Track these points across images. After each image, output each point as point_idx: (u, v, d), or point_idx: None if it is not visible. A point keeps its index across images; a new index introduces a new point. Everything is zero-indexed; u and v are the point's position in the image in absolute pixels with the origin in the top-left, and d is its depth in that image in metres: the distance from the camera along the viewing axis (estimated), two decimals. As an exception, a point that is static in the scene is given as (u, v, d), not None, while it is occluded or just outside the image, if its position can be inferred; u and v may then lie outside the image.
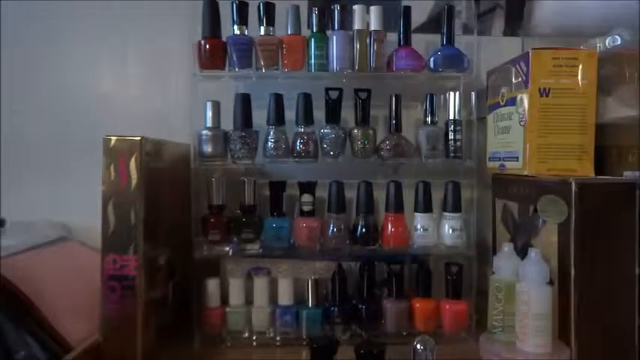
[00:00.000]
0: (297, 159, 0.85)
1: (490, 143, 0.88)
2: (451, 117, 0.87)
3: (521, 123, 0.76)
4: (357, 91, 0.86)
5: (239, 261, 0.87)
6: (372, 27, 0.84)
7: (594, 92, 0.74)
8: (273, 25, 0.84)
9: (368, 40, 0.84)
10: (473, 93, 0.88)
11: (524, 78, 0.76)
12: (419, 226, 0.86)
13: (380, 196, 0.90)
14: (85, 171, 0.92)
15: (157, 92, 1.01)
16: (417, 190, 0.87)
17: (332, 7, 0.85)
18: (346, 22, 0.85)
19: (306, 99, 0.85)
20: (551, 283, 0.68)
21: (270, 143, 0.84)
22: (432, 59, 0.86)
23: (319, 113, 0.86)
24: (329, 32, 0.85)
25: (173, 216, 0.83)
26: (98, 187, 0.70)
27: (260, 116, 0.86)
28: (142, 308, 0.70)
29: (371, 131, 0.86)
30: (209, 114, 0.84)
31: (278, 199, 0.87)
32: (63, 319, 0.75)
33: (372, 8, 0.84)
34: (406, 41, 0.87)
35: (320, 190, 0.88)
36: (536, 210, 0.73)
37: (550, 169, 0.75)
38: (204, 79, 0.87)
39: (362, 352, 0.66)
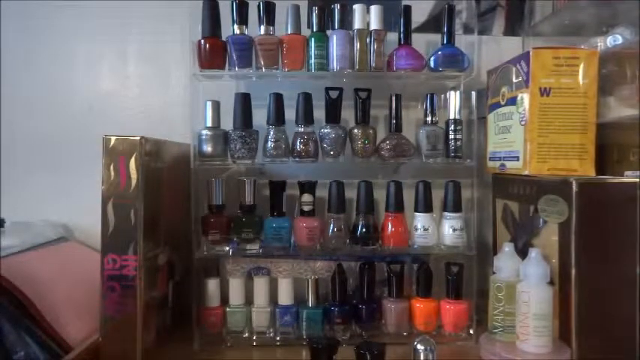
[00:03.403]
0: (297, 159, 0.85)
1: (490, 143, 0.88)
2: (451, 117, 0.87)
3: (522, 122, 0.76)
4: (357, 90, 0.86)
5: (239, 261, 0.87)
6: (372, 26, 0.84)
7: (595, 92, 0.74)
8: (273, 25, 0.84)
9: (368, 40, 0.84)
10: (473, 92, 0.88)
11: (524, 77, 0.75)
12: (419, 226, 0.86)
13: (380, 196, 0.90)
14: (85, 171, 0.92)
15: (156, 92, 1.01)
16: (417, 190, 0.87)
17: (332, 6, 0.85)
18: (346, 22, 0.85)
19: (306, 99, 0.85)
20: (551, 283, 0.68)
21: (270, 143, 0.84)
22: (432, 59, 0.85)
23: (319, 113, 0.86)
24: (329, 32, 0.85)
25: (173, 216, 0.83)
26: (98, 187, 0.70)
27: (260, 116, 0.86)
28: (141, 308, 0.70)
29: (371, 131, 0.86)
30: (209, 114, 0.84)
31: (278, 199, 0.86)
32: (62, 320, 0.75)
33: (372, 8, 0.84)
34: (406, 41, 0.86)
35: (320, 190, 0.88)
36: (536, 210, 0.73)
37: (550, 168, 0.74)
38: (204, 79, 0.87)
39: (362, 352, 0.66)
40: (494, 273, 0.75)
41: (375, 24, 0.84)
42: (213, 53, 0.82)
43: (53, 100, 1.00)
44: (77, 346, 0.73)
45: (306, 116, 0.85)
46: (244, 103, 0.85)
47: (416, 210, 0.87)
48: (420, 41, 0.92)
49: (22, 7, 0.99)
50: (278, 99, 0.85)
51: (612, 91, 0.75)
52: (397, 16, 0.87)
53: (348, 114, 0.88)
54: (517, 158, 0.77)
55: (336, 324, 0.84)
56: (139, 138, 0.70)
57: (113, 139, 0.70)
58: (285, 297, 0.86)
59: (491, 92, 0.88)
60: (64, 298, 0.78)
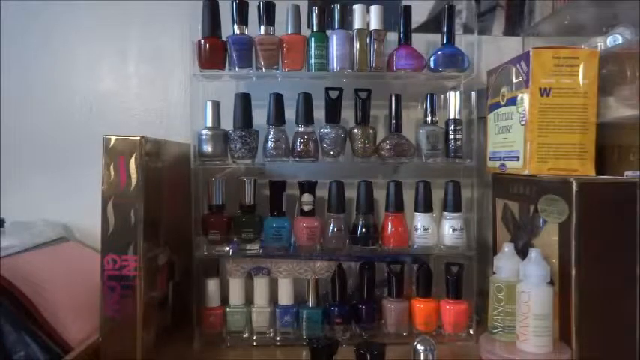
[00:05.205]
0: (297, 159, 0.85)
1: (490, 143, 0.88)
2: (451, 117, 0.87)
3: (522, 122, 0.76)
4: (357, 90, 0.86)
5: (239, 261, 0.87)
6: (372, 26, 0.84)
7: (595, 92, 0.74)
8: (273, 25, 0.84)
9: (368, 40, 0.84)
10: (473, 92, 0.88)
11: (524, 77, 0.75)
12: (419, 226, 0.86)
13: (380, 196, 0.90)
14: (85, 171, 0.93)
15: (157, 92, 1.01)
16: (417, 190, 0.87)
17: (332, 6, 0.85)
18: (346, 22, 0.85)
19: (306, 99, 0.85)
20: (551, 283, 0.68)
21: (270, 143, 0.84)
22: (432, 59, 0.85)
23: (319, 113, 0.86)
24: (329, 32, 0.85)
25: (173, 216, 0.83)
26: (98, 187, 0.70)
27: (260, 116, 0.86)
28: (141, 308, 0.70)
29: (371, 131, 0.86)
30: (209, 114, 0.84)
31: (278, 199, 0.86)
32: (63, 320, 0.75)
33: (372, 8, 0.84)
34: (406, 41, 0.86)
35: (320, 190, 0.88)
36: (536, 210, 0.73)
37: (550, 168, 0.74)
38: (204, 79, 0.87)
39: (362, 352, 0.66)
40: (494, 273, 0.75)
41: (375, 24, 0.84)
42: (213, 53, 0.82)
43: (53, 100, 1.00)
44: (77, 346, 0.73)
45: (306, 116, 0.85)
46: (244, 103, 0.85)
47: (416, 210, 0.87)
48: (420, 41, 0.92)
49: (22, 7, 0.99)
50: (278, 99, 0.85)
51: (612, 91, 0.75)
52: (397, 16, 0.87)
53: (348, 114, 0.88)
54: (517, 158, 0.77)
55: (336, 324, 0.84)
56: (139, 138, 0.70)
57: (113, 139, 0.70)
58: (285, 297, 0.86)
59: (491, 92, 0.88)
60: (64, 298, 0.78)
